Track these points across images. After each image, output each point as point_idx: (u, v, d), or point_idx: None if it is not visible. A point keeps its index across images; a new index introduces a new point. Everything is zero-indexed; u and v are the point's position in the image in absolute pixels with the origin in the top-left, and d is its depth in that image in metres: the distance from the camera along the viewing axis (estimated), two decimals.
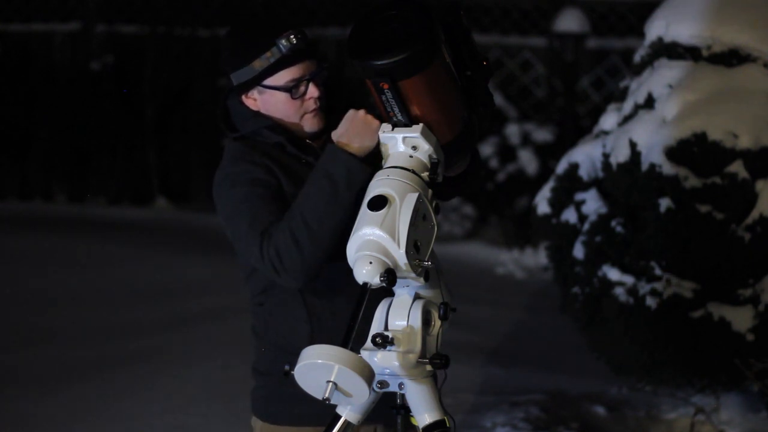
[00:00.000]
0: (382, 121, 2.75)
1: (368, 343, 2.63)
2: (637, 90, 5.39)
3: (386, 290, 2.64)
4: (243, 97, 2.98)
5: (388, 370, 2.63)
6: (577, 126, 10.16)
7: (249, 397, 3.11)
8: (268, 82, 2.92)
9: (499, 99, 10.24)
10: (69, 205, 11.42)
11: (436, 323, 2.70)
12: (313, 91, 2.94)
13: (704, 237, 4.96)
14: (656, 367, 5.15)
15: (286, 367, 2.54)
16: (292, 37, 2.90)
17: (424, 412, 2.67)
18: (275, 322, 2.99)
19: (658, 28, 5.44)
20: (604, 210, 5.35)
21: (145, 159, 11.39)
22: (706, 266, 4.99)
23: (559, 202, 5.65)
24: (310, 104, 2.95)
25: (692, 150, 4.99)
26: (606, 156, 5.40)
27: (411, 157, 2.67)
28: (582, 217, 5.48)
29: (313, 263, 2.79)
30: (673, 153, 5.01)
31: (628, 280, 5.13)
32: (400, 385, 2.67)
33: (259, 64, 2.90)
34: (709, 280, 5.00)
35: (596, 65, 10.76)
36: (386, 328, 2.66)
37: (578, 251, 5.38)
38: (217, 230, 3.00)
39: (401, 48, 2.59)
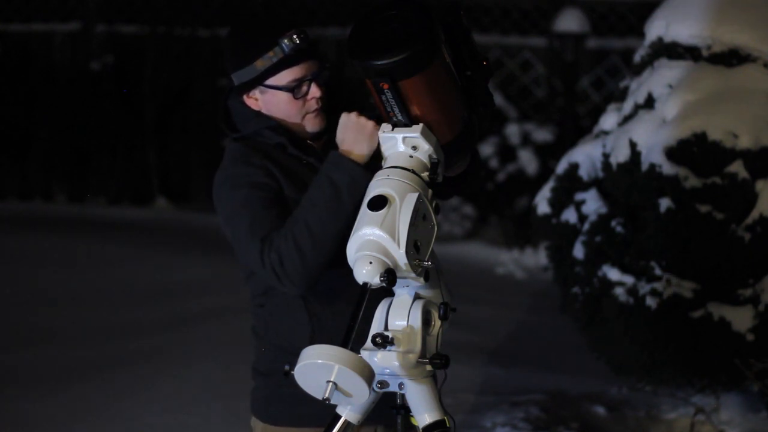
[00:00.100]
0: (379, 121, 2.75)
1: (368, 343, 2.63)
2: (637, 90, 5.39)
3: (386, 290, 2.64)
4: (244, 96, 2.98)
5: (388, 370, 2.63)
6: (577, 126, 10.16)
7: (249, 397, 3.11)
8: (270, 82, 2.92)
9: (499, 99, 10.24)
10: (69, 205, 11.42)
11: (436, 323, 2.70)
12: (315, 91, 2.94)
13: (704, 237, 4.96)
14: (656, 367, 5.15)
15: (286, 367, 2.54)
16: (294, 36, 2.90)
17: (424, 412, 2.67)
18: (276, 323, 2.99)
19: (658, 28, 5.44)
20: (604, 210, 5.35)
21: (145, 159, 11.39)
22: (706, 266, 4.99)
23: (559, 202, 5.65)
24: (312, 104, 2.95)
25: (692, 150, 4.99)
26: (606, 156, 5.40)
27: (411, 157, 2.67)
28: (582, 217, 5.48)
29: (314, 270, 2.80)
30: (673, 153, 5.01)
31: (628, 280, 5.13)
32: (400, 385, 2.67)
33: (261, 64, 2.90)
34: (709, 280, 5.00)
35: (596, 65, 10.76)
36: (386, 328, 2.66)
37: (578, 251, 5.38)
38: (217, 230, 3.00)
39: (401, 48, 2.59)
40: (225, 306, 7.05)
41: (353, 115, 2.81)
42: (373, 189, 2.63)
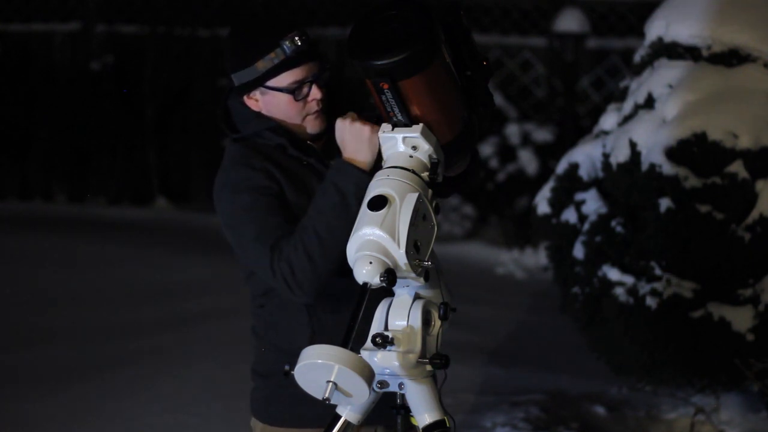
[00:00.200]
0: (379, 121, 2.75)
1: (368, 343, 2.63)
2: (637, 90, 5.39)
3: (386, 290, 2.64)
4: (245, 97, 2.98)
5: (388, 370, 2.63)
6: (577, 126, 10.16)
7: (249, 397, 3.11)
8: (271, 83, 2.92)
9: (499, 99, 10.24)
10: (69, 205, 11.42)
11: (436, 323, 2.70)
12: (315, 92, 2.94)
13: (704, 237, 4.96)
14: (656, 367, 5.15)
15: (286, 367, 2.54)
16: (296, 38, 2.90)
17: (424, 412, 2.67)
18: (276, 324, 2.98)
19: (658, 28, 5.44)
20: (604, 210, 5.35)
21: (145, 159, 11.39)
22: (706, 266, 4.99)
23: (559, 202, 5.65)
24: (313, 106, 2.95)
25: (692, 150, 4.99)
26: (606, 156, 5.40)
27: (411, 157, 2.67)
28: (582, 217, 5.48)
29: (324, 277, 2.80)
30: (673, 153, 5.01)
31: (628, 280, 5.13)
32: (400, 385, 2.67)
33: (262, 65, 2.90)
34: (709, 280, 5.00)
35: (596, 65, 10.76)
36: (386, 328, 2.66)
37: (578, 251, 5.38)
38: (217, 230, 3.00)
39: (401, 48, 2.59)
40: (225, 306, 7.05)
41: (348, 122, 2.80)
42: (373, 189, 2.62)
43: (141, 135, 11.33)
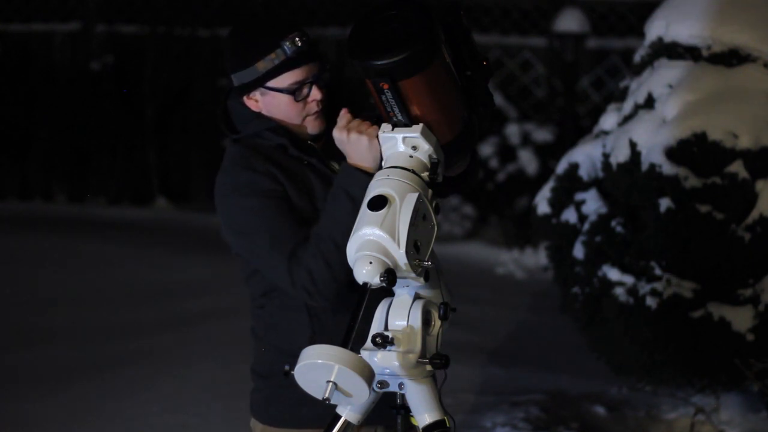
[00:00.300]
0: (379, 121, 2.75)
1: (368, 343, 2.63)
2: (637, 90, 5.39)
3: (386, 290, 2.64)
4: (244, 98, 2.97)
5: (388, 370, 2.63)
6: (577, 126, 10.16)
7: (249, 397, 3.11)
8: (271, 83, 2.92)
9: (499, 99, 10.24)
10: (69, 205, 11.42)
11: (436, 323, 2.70)
12: (315, 93, 2.94)
13: (704, 237, 4.96)
14: (656, 367, 5.15)
15: (286, 367, 2.54)
16: (296, 39, 2.90)
17: (424, 412, 2.67)
18: (276, 325, 2.98)
19: (658, 28, 5.44)
20: (604, 210, 5.35)
21: (145, 159, 11.39)
22: (706, 266, 4.99)
23: (559, 202, 5.65)
24: (313, 107, 2.95)
25: (692, 150, 4.99)
26: (606, 156, 5.40)
27: (411, 157, 2.67)
28: (582, 217, 5.48)
29: (344, 281, 2.80)
30: (673, 153, 5.01)
31: (628, 280, 5.13)
32: (400, 385, 2.67)
33: (262, 66, 2.90)
34: (709, 280, 5.00)
35: (596, 65, 10.76)
36: (386, 328, 2.66)
37: (578, 251, 5.38)
38: (217, 230, 3.00)
39: (401, 48, 2.59)
40: (225, 306, 7.05)
41: (344, 135, 2.79)
42: (373, 189, 2.62)
43: (141, 135, 11.33)
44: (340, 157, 2.85)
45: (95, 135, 11.35)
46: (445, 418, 2.67)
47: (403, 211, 2.57)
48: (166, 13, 11.28)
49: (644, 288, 5.05)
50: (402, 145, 2.68)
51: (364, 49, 2.63)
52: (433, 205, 2.66)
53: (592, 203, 5.44)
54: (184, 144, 11.49)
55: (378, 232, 2.55)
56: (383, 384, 2.66)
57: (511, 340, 7.03)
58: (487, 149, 10.10)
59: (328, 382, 2.45)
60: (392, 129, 2.69)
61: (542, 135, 10.22)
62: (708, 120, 5.01)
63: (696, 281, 4.99)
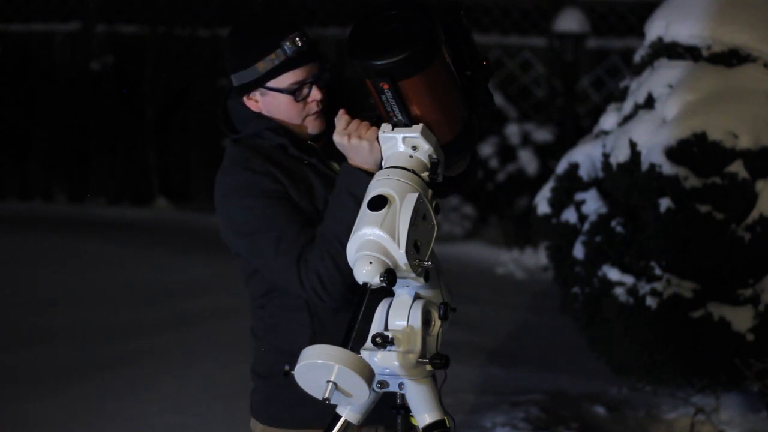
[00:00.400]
0: (379, 121, 2.75)
1: (368, 343, 2.63)
2: (637, 90, 5.39)
3: (386, 290, 2.64)
4: (244, 98, 2.97)
5: (388, 370, 2.63)
6: (577, 126, 10.16)
7: (249, 397, 3.11)
8: (271, 84, 2.92)
9: (499, 99, 10.24)
10: (69, 205, 11.42)
11: (436, 323, 2.70)
12: (315, 93, 2.94)
13: (704, 237, 4.96)
14: (656, 367, 5.15)
15: (286, 367, 2.54)
16: (297, 39, 2.90)
17: (424, 412, 2.67)
18: (276, 325, 2.98)
19: (658, 28, 5.44)
20: (604, 210, 5.35)
21: (145, 159, 11.39)
22: (706, 266, 4.99)
23: (559, 202, 5.65)
24: (313, 107, 2.95)
25: (692, 150, 4.99)
26: (606, 156, 5.40)
27: (411, 157, 2.67)
28: (582, 217, 5.48)
29: (351, 283, 2.80)
30: (673, 153, 5.01)
31: (628, 280, 5.13)
32: (400, 385, 2.67)
33: (262, 66, 2.90)
34: (709, 280, 5.00)
35: (596, 65, 10.76)
36: (386, 328, 2.66)
37: (578, 251, 5.38)
38: (217, 230, 3.00)
39: (401, 48, 2.59)
40: (225, 306, 7.05)
41: (344, 140, 2.78)
42: (373, 189, 2.62)
43: (141, 135, 11.33)
44: (341, 157, 2.85)
45: (95, 135, 11.35)
46: (445, 418, 2.67)
47: (403, 211, 2.57)
48: (166, 13, 11.27)
49: (644, 288, 5.05)
50: (402, 145, 2.68)
51: (364, 49, 2.62)
52: (433, 205, 2.66)
53: (592, 203, 5.44)
54: (184, 144, 11.49)
55: (378, 232, 2.55)
56: (383, 384, 2.66)
57: (511, 340, 7.03)
58: (487, 149, 10.10)
59: (328, 382, 2.45)
60: (392, 129, 2.69)
61: (542, 135, 10.22)
62: (708, 120, 5.01)
63: (696, 281, 4.99)
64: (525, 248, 9.58)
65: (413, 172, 2.64)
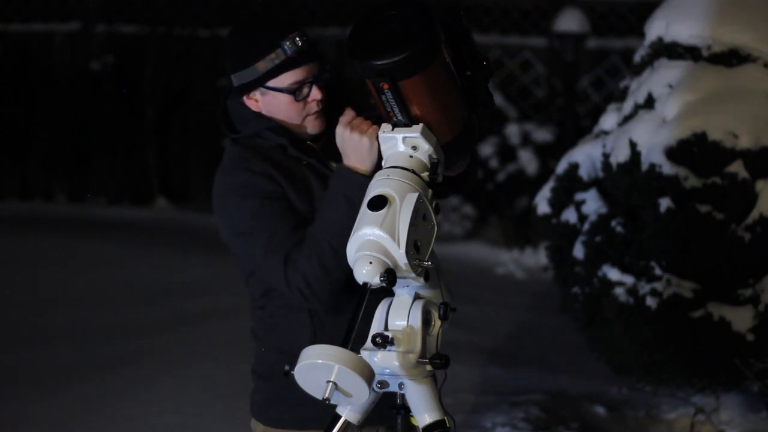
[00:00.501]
0: (379, 121, 2.75)
1: (368, 343, 2.63)
2: (637, 90, 5.39)
3: (386, 290, 2.64)
4: (244, 98, 2.97)
5: (388, 370, 2.63)
6: (577, 126, 10.16)
7: (249, 397, 3.11)
8: (272, 83, 2.92)
9: (499, 99, 10.24)
10: (69, 205, 11.42)
11: (436, 323, 2.70)
12: (316, 93, 2.94)
13: (704, 237, 4.96)
14: (656, 367, 5.15)
15: (286, 367, 2.54)
16: (296, 39, 2.90)
17: (424, 412, 2.67)
18: (276, 325, 2.98)
19: (658, 28, 5.44)
20: (604, 210, 5.35)
21: (145, 159, 11.39)
22: (706, 266, 4.99)
23: (559, 202, 5.65)
24: (313, 106, 2.95)
25: (692, 150, 4.99)
26: (606, 156, 5.40)
27: (411, 157, 2.67)
28: (582, 217, 5.48)
29: (338, 285, 2.81)
30: (673, 153, 5.01)
31: (628, 280, 5.13)
32: (400, 385, 2.67)
33: (263, 66, 2.90)
34: (709, 280, 5.00)
35: (596, 65, 10.76)
36: (386, 328, 2.66)
37: (578, 251, 5.38)
38: (217, 230, 3.00)
39: (401, 48, 2.59)
40: (225, 306, 7.05)
41: (347, 132, 2.80)
42: (373, 189, 2.62)
43: (141, 135, 11.33)
44: (339, 157, 2.85)
45: (95, 135, 11.35)
46: (445, 418, 2.67)
47: (403, 211, 2.57)
48: (166, 13, 11.27)
49: (644, 288, 5.05)
50: (402, 145, 2.68)
51: (364, 49, 2.63)
52: (433, 205, 2.66)
53: (592, 203, 5.44)
54: (184, 144, 11.49)
55: (378, 232, 2.55)
56: (383, 384, 2.66)
57: (511, 340, 7.03)
58: (487, 149, 10.10)
59: (328, 382, 2.45)
60: (392, 129, 2.69)
61: (542, 135, 10.22)
62: (708, 120, 5.01)
63: (696, 281, 4.99)
64: (525, 248, 9.58)
65: (413, 172, 2.64)
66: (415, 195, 2.59)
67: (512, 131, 10.26)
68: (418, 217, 2.58)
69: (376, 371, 2.53)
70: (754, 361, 4.89)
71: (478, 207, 10.28)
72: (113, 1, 11.68)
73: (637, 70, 5.59)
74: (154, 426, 5.32)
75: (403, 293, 2.69)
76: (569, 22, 10.16)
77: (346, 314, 2.58)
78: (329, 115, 2.97)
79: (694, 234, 4.96)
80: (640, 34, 5.93)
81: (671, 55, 5.35)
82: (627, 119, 5.38)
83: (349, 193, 2.78)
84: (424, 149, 2.67)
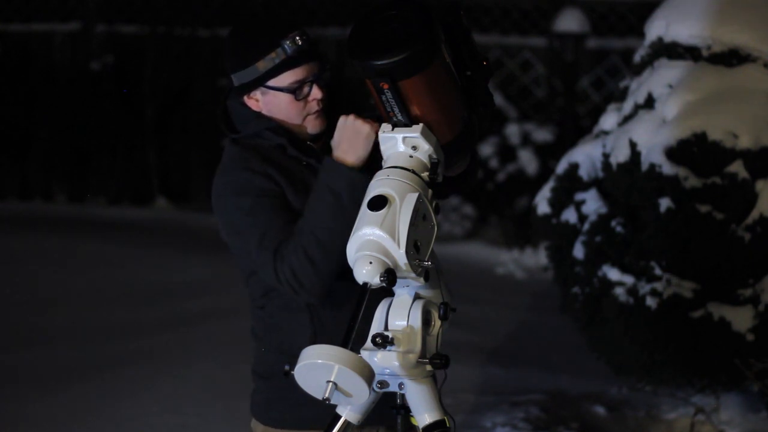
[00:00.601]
0: (379, 121, 2.75)
1: (368, 343, 2.63)
2: (637, 90, 5.39)
3: (386, 290, 2.64)
4: (245, 97, 2.97)
5: (388, 370, 2.63)
6: (577, 126, 10.16)
7: (249, 397, 3.11)
8: (272, 83, 2.92)
9: (499, 99, 10.23)
10: (69, 205, 11.42)
11: (436, 323, 2.70)
12: (316, 92, 2.94)
13: (704, 237, 4.96)
14: (656, 367, 5.15)
15: (286, 367, 2.54)
16: (297, 38, 2.90)
17: (424, 412, 2.67)
18: (276, 325, 2.98)
19: (658, 28, 5.44)
20: (604, 210, 5.35)
21: (145, 159, 11.39)
22: (706, 266, 4.99)
23: (559, 202, 5.65)
24: (313, 106, 2.95)
25: (692, 150, 4.99)
26: (606, 156, 5.41)
27: (411, 157, 2.67)
28: (582, 217, 5.48)
29: (328, 277, 2.81)
30: (673, 153, 5.01)
31: (628, 280, 5.13)
32: (400, 385, 2.67)
33: (263, 65, 2.90)
34: (709, 280, 5.00)
35: (596, 65, 10.76)
36: (386, 328, 2.66)
37: (578, 251, 5.38)
38: (217, 230, 3.00)
39: (401, 48, 2.59)
40: (225, 306, 7.05)
41: (350, 118, 2.81)
42: (373, 189, 2.62)
43: (141, 135, 11.33)
44: None
45: (95, 135, 11.35)
46: (445, 418, 2.67)
47: (403, 211, 2.57)
48: (166, 13, 11.27)
49: (644, 288, 5.05)
50: (402, 145, 2.68)
51: (364, 49, 2.63)
52: (433, 205, 2.66)
53: (592, 203, 5.44)
54: (184, 144, 11.49)
55: (378, 232, 2.55)
56: (383, 384, 2.66)
57: (511, 340, 7.03)
58: (487, 149, 10.10)
59: (328, 382, 2.45)
60: (392, 129, 2.69)
61: (542, 135, 10.22)
62: (708, 120, 5.01)
63: (696, 281, 4.99)
64: (525, 248, 9.58)
65: (413, 172, 2.64)
66: (415, 195, 2.59)
67: (512, 131, 10.26)
68: (418, 217, 2.59)
69: (376, 371, 2.54)
70: (754, 361, 4.90)
71: (478, 207, 10.28)
72: (113, 1, 11.68)
73: (637, 70, 5.59)
74: (154, 426, 5.32)
75: (403, 293, 2.69)
76: (569, 22, 10.16)
77: (346, 314, 2.58)
78: (329, 115, 2.97)
79: (694, 234, 4.96)
80: (640, 34, 5.93)
81: (671, 55, 5.35)
82: (627, 119, 5.38)
83: (334, 185, 2.79)
84: (424, 149, 2.67)
